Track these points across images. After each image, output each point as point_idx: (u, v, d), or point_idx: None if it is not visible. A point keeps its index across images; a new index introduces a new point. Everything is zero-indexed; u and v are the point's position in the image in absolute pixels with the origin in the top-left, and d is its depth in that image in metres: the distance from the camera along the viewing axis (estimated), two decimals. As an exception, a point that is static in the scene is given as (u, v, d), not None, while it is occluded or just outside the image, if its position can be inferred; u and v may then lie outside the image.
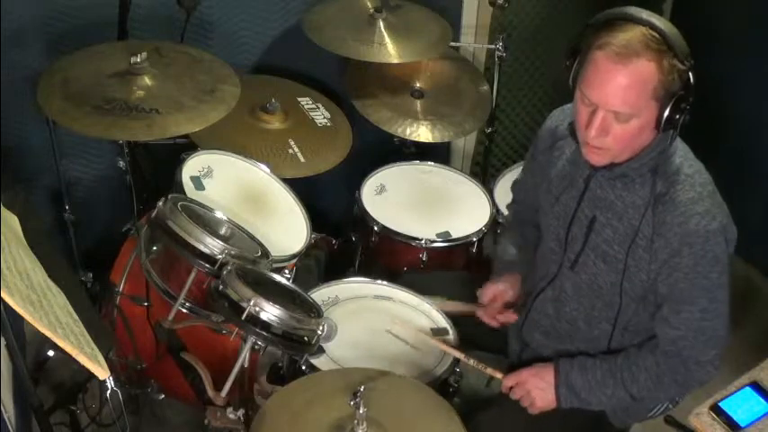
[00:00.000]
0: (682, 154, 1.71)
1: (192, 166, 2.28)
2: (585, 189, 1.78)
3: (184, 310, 2.06)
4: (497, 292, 2.00)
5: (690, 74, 1.57)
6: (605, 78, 1.56)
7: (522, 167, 2.15)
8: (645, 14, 1.57)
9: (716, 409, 1.66)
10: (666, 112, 1.58)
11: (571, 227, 1.81)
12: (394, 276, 2.32)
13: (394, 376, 1.84)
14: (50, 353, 2.26)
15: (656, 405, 1.95)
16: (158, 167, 2.56)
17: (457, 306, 2.12)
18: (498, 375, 1.91)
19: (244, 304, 1.80)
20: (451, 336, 2.11)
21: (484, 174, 3.14)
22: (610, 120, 1.59)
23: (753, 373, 1.74)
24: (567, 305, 1.87)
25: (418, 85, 2.84)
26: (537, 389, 1.84)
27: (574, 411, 1.85)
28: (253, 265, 1.99)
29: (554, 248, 1.87)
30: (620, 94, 1.56)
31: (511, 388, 1.89)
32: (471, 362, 1.94)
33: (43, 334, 1.29)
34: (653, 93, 1.56)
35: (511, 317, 2.00)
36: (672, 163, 1.69)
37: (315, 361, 1.96)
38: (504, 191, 2.64)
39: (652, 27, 1.55)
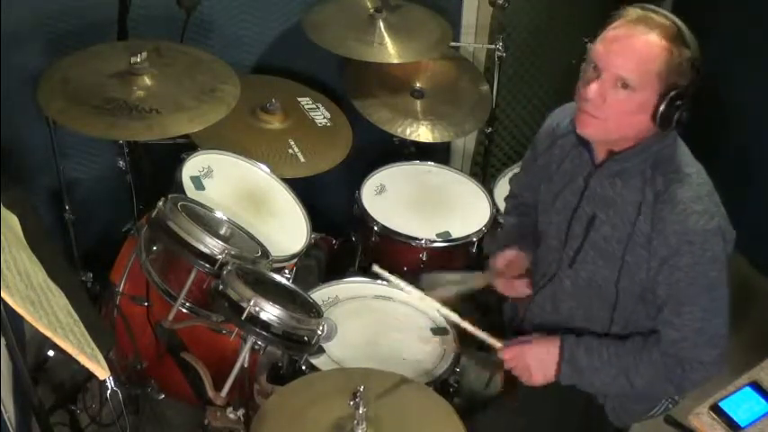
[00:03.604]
0: (682, 153, 1.72)
1: (191, 166, 2.28)
2: (586, 187, 1.78)
3: (184, 310, 2.06)
4: (511, 257, 1.97)
5: (697, 72, 1.60)
6: (617, 41, 1.60)
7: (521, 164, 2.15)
8: (664, 11, 1.62)
9: (716, 409, 1.67)
10: (664, 102, 1.60)
11: (571, 224, 1.82)
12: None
13: (394, 376, 1.84)
14: (50, 353, 2.26)
15: (655, 404, 1.95)
16: (158, 167, 2.56)
17: (469, 284, 2.03)
18: (497, 344, 1.86)
19: (244, 304, 1.81)
20: (451, 336, 2.11)
21: (484, 174, 3.14)
22: (611, 85, 1.61)
23: (753, 373, 1.74)
24: (565, 303, 1.87)
25: (418, 85, 2.84)
26: (537, 360, 1.81)
27: (573, 410, 1.85)
28: (253, 265, 1.99)
29: (555, 245, 1.87)
30: (627, 57, 1.59)
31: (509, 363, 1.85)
32: (468, 325, 1.87)
33: (43, 334, 1.29)
34: (657, 69, 1.58)
35: (525, 290, 1.97)
36: (672, 162, 1.69)
37: (315, 361, 1.97)
38: (503, 191, 2.63)
39: (668, 18, 1.60)
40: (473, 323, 1.88)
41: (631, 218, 1.70)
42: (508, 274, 1.98)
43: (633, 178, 1.70)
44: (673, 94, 1.59)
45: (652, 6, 1.63)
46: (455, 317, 1.91)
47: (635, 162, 1.69)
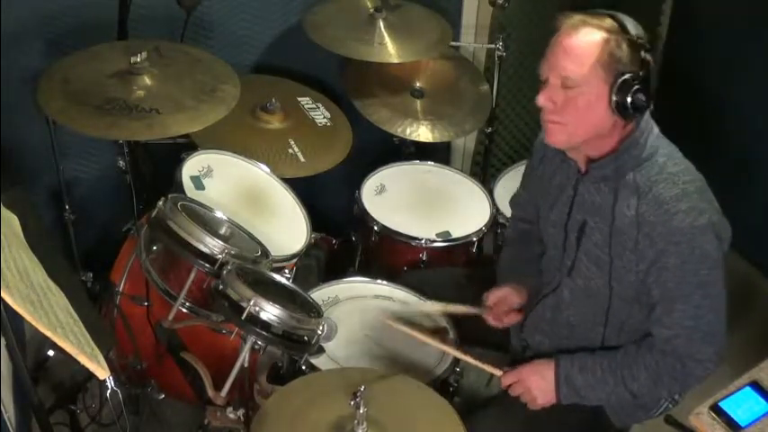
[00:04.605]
0: (665, 153, 1.71)
1: (191, 166, 2.28)
2: (575, 195, 1.79)
3: (184, 310, 2.07)
4: (503, 296, 1.99)
5: (645, 55, 1.61)
6: (554, 45, 1.65)
7: (521, 180, 2.14)
8: (610, 11, 1.65)
9: (716, 409, 1.66)
10: (614, 89, 1.61)
11: (567, 234, 1.82)
12: (394, 276, 2.32)
13: (394, 376, 1.84)
14: (50, 353, 2.26)
15: (656, 405, 1.95)
16: (158, 167, 2.56)
17: (460, 308, 2.07)
18: (497, 373, 1.90)
19: (244, 304, 1.80)
20: (451, 336, 2.11)
21: (484, 174, 3.14)
22: (558, 87, 1.64)
23: (753, 373, 1.74)
24: (565, 311, 1.88)
25: (418, 85, 2.84)
26: (537, 385, 1.83)
27: (573, 411, 1.85)
28: (253, 265, 1.99)
29: (554, 256, 1.89)
30: (563, 56, 1.63)
31: (510, 385, 1.88)
32: (469, 359, 1.94)
33: (43, 334, 1.29)
34: (597, 59, 1.60)
35: (516, 317, 1.99)
36: (654, 163, 1.69)
37: (315, 361, 1.96)
38: (504, 191, 2.64)
39: (607, 14, 1.63)
40: (474, 356, 1.94)
41: (618, 222, 1.71)
42: (497, 311, 1.99)
43: (616, 183, 1.71)
44: (621, 80, 1.60)
45: (599, 10, 1.65)
46: (458, 353, 1.96)
47: (615, 166, 1.69)
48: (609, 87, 1.62)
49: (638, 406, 1.91)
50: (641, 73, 1.61)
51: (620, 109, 1.62)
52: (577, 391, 1.81)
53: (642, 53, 1.61)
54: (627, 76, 1.60)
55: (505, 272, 2.08)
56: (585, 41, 1.61)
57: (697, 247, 1.65)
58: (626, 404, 1.87)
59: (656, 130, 1.72)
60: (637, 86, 1.61)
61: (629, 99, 1.61)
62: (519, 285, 2.00)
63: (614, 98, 1.61)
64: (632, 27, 1.62)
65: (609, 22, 1.62)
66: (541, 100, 1.66)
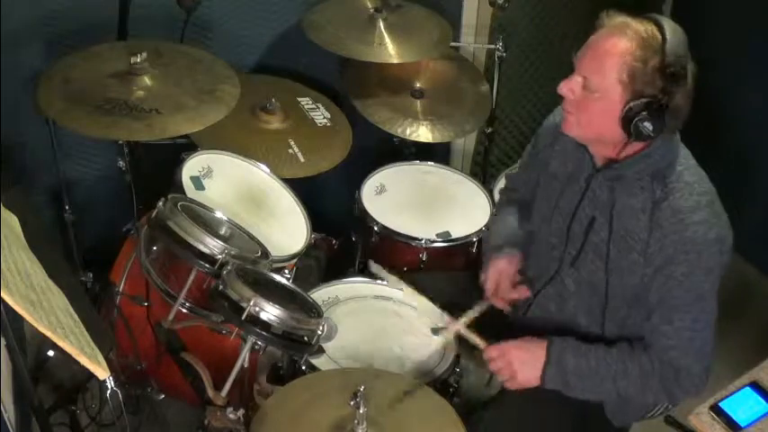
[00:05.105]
0: (683, 162, 1.71)
1: (191, 166, 2.28)
2: (587, 189, 1.79)
3: (184, 310, 2.07)
4: (499, 272, 1.97)
5: (671, 81, 1.58)
6: (589, 44, 1.65)
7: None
8: (663, 19, 1.62)
9: (716, 409, 1.67)
10: (625, 110, 1.60)
11: (572, 224, 1.82)
12: (394, 276, 2.32)
13: (394, 376, 1.84)
14: (50, 353, 2.25)
15: (655, 404, 1.94)
16: (158, 167, 2.56)
17: (473, 314, 2.00)
18: (482, 344, 1.86)
19: (244, 304, 1.81)
20: (451, 336, 2.10)
21: (484, 174, 3.14)
22: (579, 83, 1.65)
23: (753, 373, 1.74)
24: (570, 301, 1.86)
25: (418, 85, 2.83)
26: (520, 359, 1.79)
27: (572, 409, 1.84)
28: (253, 265, 1.99)
29: (555, 244, 1.87)
30: (592, 60, 1.63)
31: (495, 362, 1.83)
32: (458, 326, 1.91)
33: (43, 334, 1.29)
34: (618, 76, 1.59)
35: (524, 292, 1.96)
36: (672, 170, 1.69)
37: (315, 361, 1.96)
38: (504, 191, 2.64)
39: (659, 28, 1.59)
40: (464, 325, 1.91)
41: (629, 224, 1.70)
42: (502, 291, 1.97)
43: (631, 185, 1.70)
44: (635, 102, 1.59)
45: (651, 14, 1.63)
46: (446, 316, 1.95)
47: (634, 170, 1.69)
48: (623, 103, 1.60)
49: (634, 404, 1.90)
50: (661, 98, 1.58)
51: (626, 128, 1.62)
52: (565, 375, 1.77)
53: (669, 81, 1.57)
54: (644, 99, 1.58)
55: (498, 234, 2.08)
56: (615, 53, 1.58)
57: (704, 260, 1.65)
58: (622, 400, 1.85)
59: (677, 137, 1.72)
60: (646, 113, 1.58)
61: (633, 123, 1.60)
62: (510, 250, 1.98)
63: (623, 116, 1.61)
64: (672, 44, 1.57)
65: (651, 31, 1.59)
66: (563, 88, 1.67)
